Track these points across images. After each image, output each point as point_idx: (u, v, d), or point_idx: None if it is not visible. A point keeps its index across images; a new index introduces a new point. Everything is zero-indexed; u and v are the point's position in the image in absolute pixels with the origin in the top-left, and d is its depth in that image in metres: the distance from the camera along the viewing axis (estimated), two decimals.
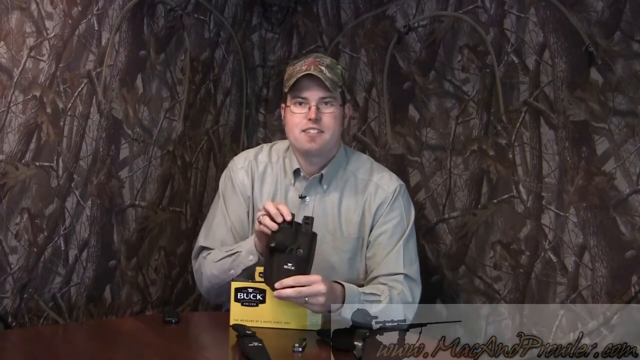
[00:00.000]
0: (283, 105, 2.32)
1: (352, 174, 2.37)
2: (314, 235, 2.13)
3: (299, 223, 2.13)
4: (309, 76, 2.22)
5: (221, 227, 2.36)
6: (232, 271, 2.24)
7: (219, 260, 2.28)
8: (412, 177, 2.69)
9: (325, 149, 2.31)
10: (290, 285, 2.05)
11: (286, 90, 2.28)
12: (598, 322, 2.32)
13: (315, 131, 2.25)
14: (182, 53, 2.72)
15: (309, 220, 2.13)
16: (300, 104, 2.26)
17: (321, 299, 2.07)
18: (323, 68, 2.25)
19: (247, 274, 2.24)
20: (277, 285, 2.06)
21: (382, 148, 2.76)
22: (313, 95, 2.25)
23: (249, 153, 2.44)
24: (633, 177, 2.28)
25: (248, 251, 2.22)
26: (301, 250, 2.09)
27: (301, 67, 2.26)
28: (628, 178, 2.28)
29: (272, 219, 2.11)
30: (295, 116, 2.27)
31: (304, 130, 2.26)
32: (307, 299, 2.06)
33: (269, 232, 2.11)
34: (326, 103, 2.26)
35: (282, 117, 2.34)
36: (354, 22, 2.82)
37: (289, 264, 2.06)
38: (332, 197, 2.35)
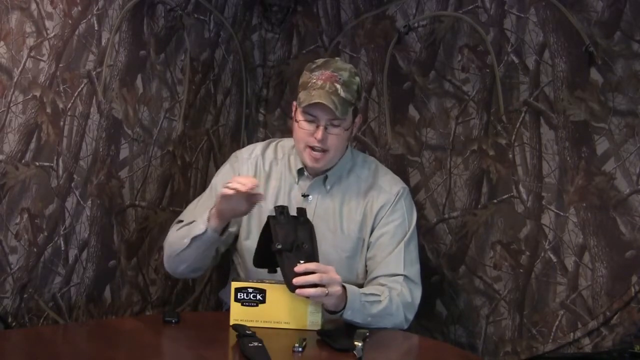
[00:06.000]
0: (295, 105, 2.31)
1: (356, 176, 2.38)
2: (312, 225, 2.14)
3: (294, 216, 2.14)
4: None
5: (206, 206, 2.34)
6: (185, 240, 2.24)
7: (178, 229, 2.31)
8: (412, 177, 2.69)
9: (327, 166, 2.32)
10: (313, 270, 2.04)
11: (297, 104, 2.27)
12: (598, 322, 2.32)
13: (319, 152, 2.26)
14: (182, 53, 2.72)
15: (302, 211, 2.15)
16: (310, 120, 2.25)
17: (339, 288, 2.08)
18: (339, 86, 2.22)
19: (202, 247, 2.24)
20: (297, 269, 2.04)
21: (382, 148, 2.76)
22: (323, 116, 2.23)
23: (256, 148, 2.45)
24: (633, 177, 2.28)
25: (202, 220, 2.22)
26: (306, 245, 2.10)
27: (317, 80, 2.23)
28: (628, 178, 2.29)
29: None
30: (303, 132, 2.27)
31: (309, 147, 2.26)
32: (327, 290, 2.04)
33: (231, 192, 2.11)
34: (335, 124, 2.25)
35: (293, 116, 2.33)
36: (354, 22, 2.82)
37: (301, 262, 2.06)
38: (335, 196, 2.35)
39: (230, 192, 2.12)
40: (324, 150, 2.26)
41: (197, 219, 2.27)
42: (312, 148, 2.26)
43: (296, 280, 2.04)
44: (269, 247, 2.12)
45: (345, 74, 2.26)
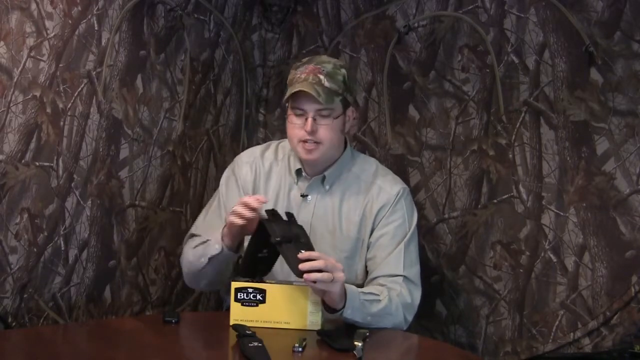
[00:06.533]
0: (287, 105, 2.33)
1: (356, 176, 2.37)
2: (302, 226, 2.18)
3: (285, 220, 2.16)
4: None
5: (215, 216, 2.39)
6: (202, 259, 2.28)
7: (195, 247, 2.33)
8: (412, 177, 2.69)
9: (323, 159, 2.32)
10: (316, 257, 2.06)
11: (284, 100, 2.29)
12: (598, 322, 2.32)
13: (312, 143, 2.27)
14: (182, 53, 2.72)
15: (292, 215, 2.17)
16: (299, 114, 2.27)
17: (342, 274, 2.08)
18: (322, 77, 2.24)
19: (219, 265, 2.27)
20: (301, 256, 2.05)
21: (382, 148, 2.76)
22: (310, 107, 2.25)
23: (256, 150, 2.46)
24: (633, 177, 2.28)
25: (215, 240, 2.26)
26: (303, 239, 2.12)
27: (300, 74, 2.26)
28: (628, 178, 2.29)
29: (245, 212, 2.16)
30: (294, 127, 2.28)
31: (302, 141, 2.27)
32: (333, 276, 2.04)
33: (240, 222, 2.16)
34: (323, 115, 2.26)
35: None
36: (354, 22, 2.82)
37: (302, 251, 2.07)
38: (334, 197, 2.35)
39: (240, 222, 2.16)
40: (316, 142, 2.27)
41: (210, 238, 2.29)
42: (305, 142, 2.27)
43: (302, 266, 2.05)
44: (257, 253, 2.16)
45: (329, 65, 2.28)
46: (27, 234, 2.34)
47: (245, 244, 2.30)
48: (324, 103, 2.23)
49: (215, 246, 2.25)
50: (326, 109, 2.25)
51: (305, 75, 2.25)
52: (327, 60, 2.31)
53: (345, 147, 2.39)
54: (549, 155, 2.43)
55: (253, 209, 2.15)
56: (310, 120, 2.25)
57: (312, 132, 2.25)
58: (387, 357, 2.08)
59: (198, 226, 2.43)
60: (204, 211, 2.48)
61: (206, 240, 2.31)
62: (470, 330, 2.57)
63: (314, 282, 2.05)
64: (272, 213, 2.16)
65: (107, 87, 2.49)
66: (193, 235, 2.40)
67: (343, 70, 2.30)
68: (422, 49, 2.68)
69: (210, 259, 2.26)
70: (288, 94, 2.25)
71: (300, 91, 2.23)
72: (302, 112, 2.26)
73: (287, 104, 2.32)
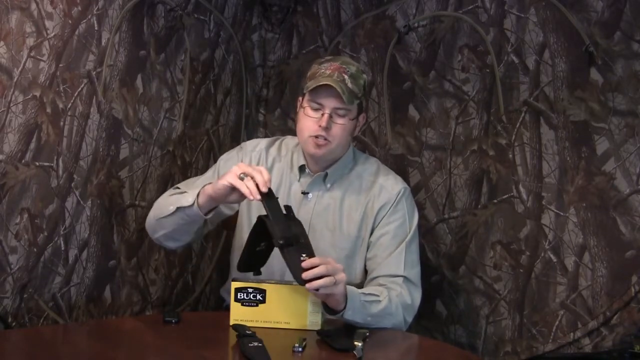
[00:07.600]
0: (300, 99, 2.33)
1: (357, 175, 2.38)
2: (300, 221, 2.15)
3: (284, 214, 2.14)
4: (329, 85, 2.23)
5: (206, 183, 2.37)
6: (171, 207, 2.24)
7: (171, 195, 2.32)
8: (412, 177, 2.69)
9: (329, 156, 2.32)
10: (317, 263, 2.04)
11: (305, 90, 2.29)
12: (598, 322, 2.32)
13: (323, 139, 2.26)
14: (182, 53, 2.72)
15: (290, 209, 2.15)
16: (315, 108, 2.27)
17: (343, 275, 2.07)
18: (346, 77, 2.25)
19: (182, 220, 2.23)
20: (304, 265, 2.03)
21: (382, 148, 2.76)
22: (329, 103, 2.25)
23: (262, 142, 2.46)
24: (633, 177, 2.28)
25: (191, 194, 2.22)
26: (302, 239, 2.10)
27: (325, 70, 2.26)
28: (628, 178, 2.29)
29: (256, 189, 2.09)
30: (308, 119, 2.28)
31: (312, 136, 2.27)
32: (335, 279, 2.04)
33: (243, 188, 2.08)
34: (340, 114, 2.27)
35: (297, 109, 2.34)
36: (354, 22, 2.82)
37: (304, 255, 2.07)
38: (335, 195, 2.35)
39: (245, 189, 2.09)
40: (327, 140, 2.27)
41: (189, 190, 2.27)
42: (316, 137, 2.27)
43: (306, 275, 2.04)
44: (255, 247, 2.14)
45: (353, 68, 2.30)
46: (27, 234, 2.34)
47: (226, 210, 2.30)
48: (345, 102, 2.24)
49: (188, 199, 2.21)
50: (343, 109, 2.26)
51: (330, 72, 2.25)
52: (351, 63, 2.33)
53: (348, 146, 2.39)
54: (549, 155, 2.43)
55: (258, 191, 2.08)
56: (326, 116, 2.25)
57: (326, 129, 2.25)
58: (387, 357, 2.08)
59: (186, 183, 2.41)
60: (195, 178, 2.46)
61: (183, 191, 2.29)
62: (470, 330, 2.57)
63: (317, 289, 2.04)
64: (267, 194, 2.11)
65: (107, 87, 2.49)
66: (177, 188, 2.39)
67: (364, 76, 2.33)
68: (422, 49, 2.68)
69: (178, 208, 2.22)
70: (312, 85, 2.25)
71: (321, 86, 2.23)
72: (320, 106, 2.26)
73: (301, 97, 2.31)
